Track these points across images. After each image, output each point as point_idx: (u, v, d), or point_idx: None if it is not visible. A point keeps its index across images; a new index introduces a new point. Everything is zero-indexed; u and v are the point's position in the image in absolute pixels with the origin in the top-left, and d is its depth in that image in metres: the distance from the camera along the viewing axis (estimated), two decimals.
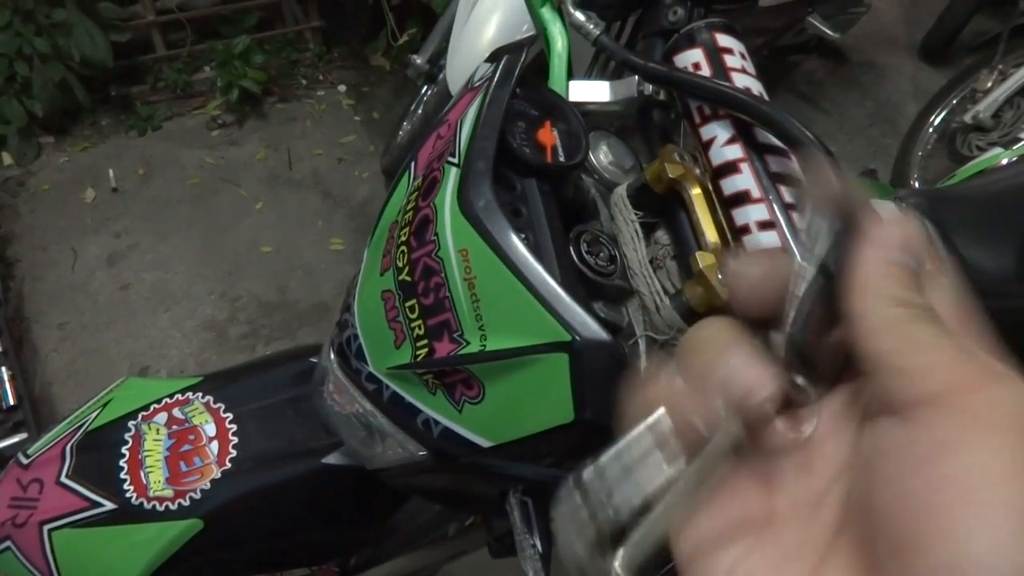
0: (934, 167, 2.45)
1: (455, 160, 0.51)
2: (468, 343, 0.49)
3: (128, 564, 0.71)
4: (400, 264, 0.53)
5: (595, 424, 0.45)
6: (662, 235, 0.62)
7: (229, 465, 0.72)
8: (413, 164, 0.58)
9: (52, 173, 2.32)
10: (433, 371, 0.51)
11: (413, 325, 0.52)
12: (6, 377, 1.49)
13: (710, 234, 0.57)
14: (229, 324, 1.97)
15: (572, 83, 0.66)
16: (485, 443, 0.50)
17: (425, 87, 1.87)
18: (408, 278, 0.52)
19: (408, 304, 0.52)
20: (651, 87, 0.63)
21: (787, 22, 2.30)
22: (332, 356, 0.63)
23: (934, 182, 2.40)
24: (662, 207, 0.61)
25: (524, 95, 0.58)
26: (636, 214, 0.61)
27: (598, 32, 0.65)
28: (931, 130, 2.38)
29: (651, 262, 0.61)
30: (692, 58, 0.59)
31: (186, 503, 0.71)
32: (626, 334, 0.59)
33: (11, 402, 1.46)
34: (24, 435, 1.41)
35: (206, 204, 2.27)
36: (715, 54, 0.59)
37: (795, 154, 0.54)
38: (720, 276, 0.54)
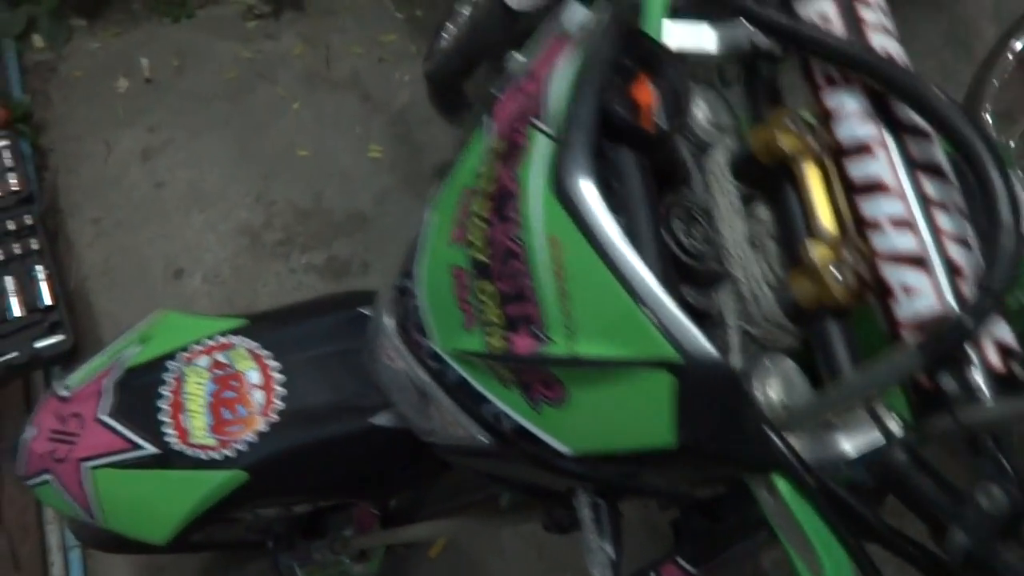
0: (1011, 98, 2.28)
1: (543, 125, 0.44)
2: (552, 341, 0.43)
3: (172, 509, 0.70)
4: (473, 240, 0.47)
5: (698, 450, 0.40)
6: (762, 210, 0.55)
7: (275, 417, 0.69)
8: (488, 120, 0.51)
9: (84, 59, 2.23)
10: (509, 366, 0.46)
11: (486, 309, 0.47)
12: (42, 276, 1.47)
13: (825, 221, 0.50)
14: (264, 230, 1.93)
15: (667, 23, 0.57)
16: (566, 449, 0.46)
17: None
18: (483, 258, 0.46)
19: (482, 285, 0.47)
20: (766, 40, 0.54)
21: None
22: (389, 321, 0.59)
23: (1008, 116, 2.24)
24: (766, 180, 0.53)
25: (622, 38, 0.50)
26: (735, 186, 0.54)
27: None
28: (1011, 56, 2.20)
29: (749, 242, 0.54)
30: (820, 7, 0.51)
31: (231, 454, 0.68)
32: (715, 323, 0.53)
33: (48, 302, 1.44)
34: (62, 336, 1.40)
35: (242, 101, 2.18)
36: (849, 5, 0.50)
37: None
38: (835, 271, 0.48)
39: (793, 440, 0.46)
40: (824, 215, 0.50)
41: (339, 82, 2.27)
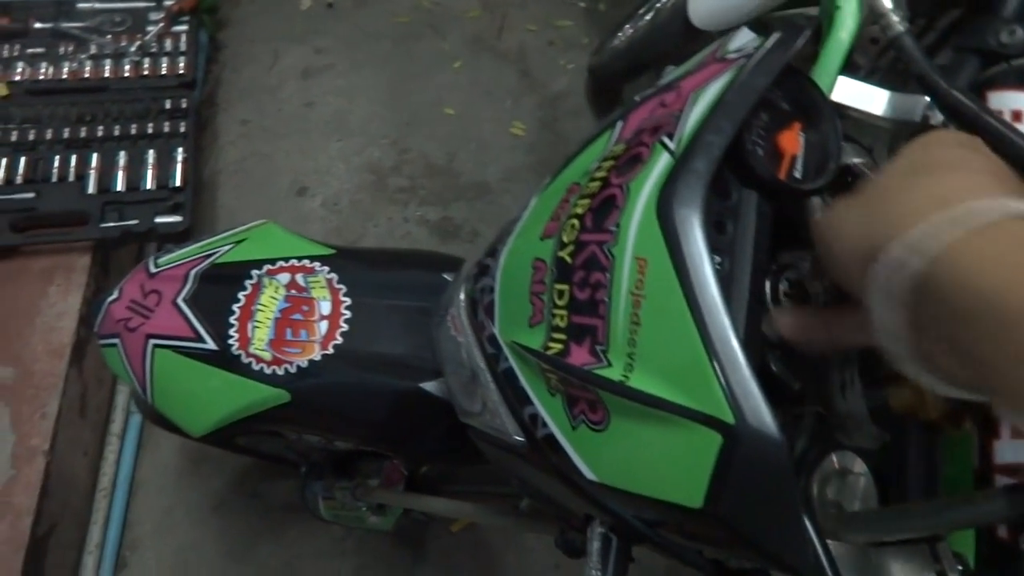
0: None
1: (671, 144, 0.41)
2: (610, 364, 0.41)
3: (212, 406, 0.71)
4: (565, 239, 0.45)
5: (723, 521, 0.37)
6: None
7: (331, 350, 0.70)
8: (621, 124, 0.48)
9: None
10: (559, 374, 0.44)
11: (556, 312, 0.45)
12: (179, 159, 1.55)
13: None
14: (391, 173, 1.97)
15: (843, 79, 0.53)
16: (590, 474, 0.43)
17: None
18: (568, 259, 0.44)
19: (559, 287, 0.45)
20: (942, 118, 0.49)
21: None
22: (463, 296, 0.57)
23: None
24: None
25: (779, 80, 0.46)
26: None
27: (902, 28, 0.51)
28: None
29: None
30: (1015, 103, 0.45)
31: (280, 372, 0.69)
32: (794, 399, 0.49)
33: (177, 183, 1.52)
34: (180, 218, 1.48)
35: (407, 47, 2.23)
36: None
37: None
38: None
39: (839, 548, 0.42)
40: None
41: (504, 53, 2.28)
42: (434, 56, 2.23)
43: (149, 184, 1.51)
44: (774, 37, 0.43)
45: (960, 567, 0.39)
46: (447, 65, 2.21)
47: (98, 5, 1.74)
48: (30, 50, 1.65)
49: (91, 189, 1.48)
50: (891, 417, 0.47)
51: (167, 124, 1.59)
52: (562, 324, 0.44)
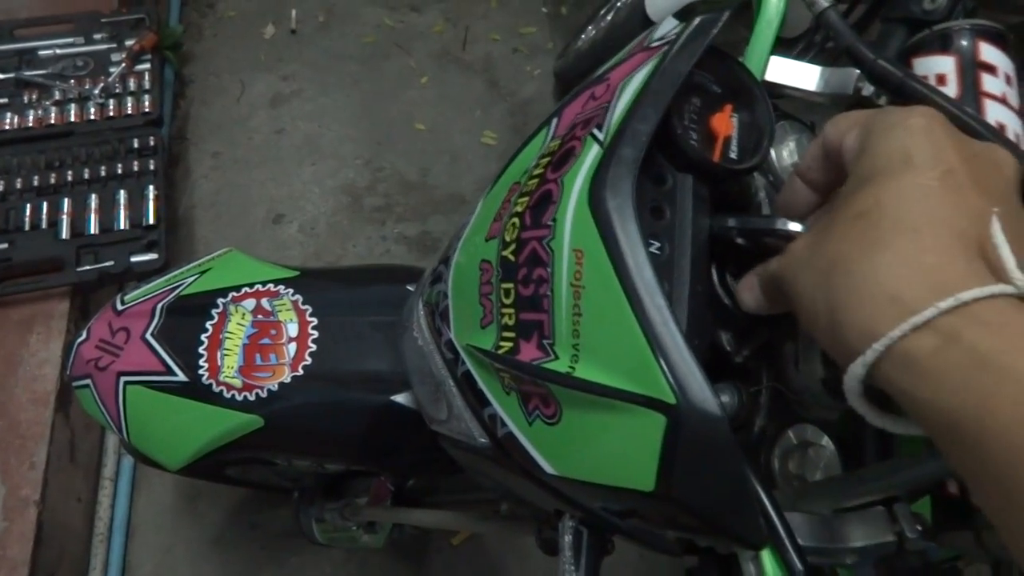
0: None
1: (600, 135, 0.42)
2: (557, 357, 0.41)
3: (187, 438, 0.71)
4: (507, 238, 0.45)
5: (676, 502, 0.37)
6: None
7: (301, 371, 0.70)
8: (556, 120, 0.49)
9: (240, 1, 2.35)
10: (511, 371, 0.44)
11: (504, 311, 0.45)
12: (151, 196, 1.55)
13: None
14: (366, 193, 1.98)
15: (775, 59, 0.54)
16: (549, 468, 0.43)
17: None
18: (512, 257, 0.44)
19: (505, 286, 0.45)
20: (872, 89, 0.50)
21: None
22: (421, 305, 0.58)
23: None
24: None
25: (709, 64, 0.47)
26: None
27: (826, 4, 0.52)
28: None
29: None
30: (938, 67, 0.46)
31: (252, 398, 0.69)
32: (747, 379, 0.49)
33: (151, 221, 1.52)
34: (155, 255, 1.47)
35: (374, 66, 2.24)
36: (971, 69, 0.45)
37: None
38: None
39: (798, 519, 0.43)
40: None
41: (470, 64, 2.29)
42: (401, 73, 2.23)
43: (122, 224, 1.51)
44: (695, 22, 0.44)
45: (919, 526, 0.39)
46: (415, 81, 2.22)
47: (59, 51, 1.74)
48: None
49: (65, 234, 1.48)
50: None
51: (136, 163, 1.59)
52: (511, 322, 0.44)
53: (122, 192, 1.54)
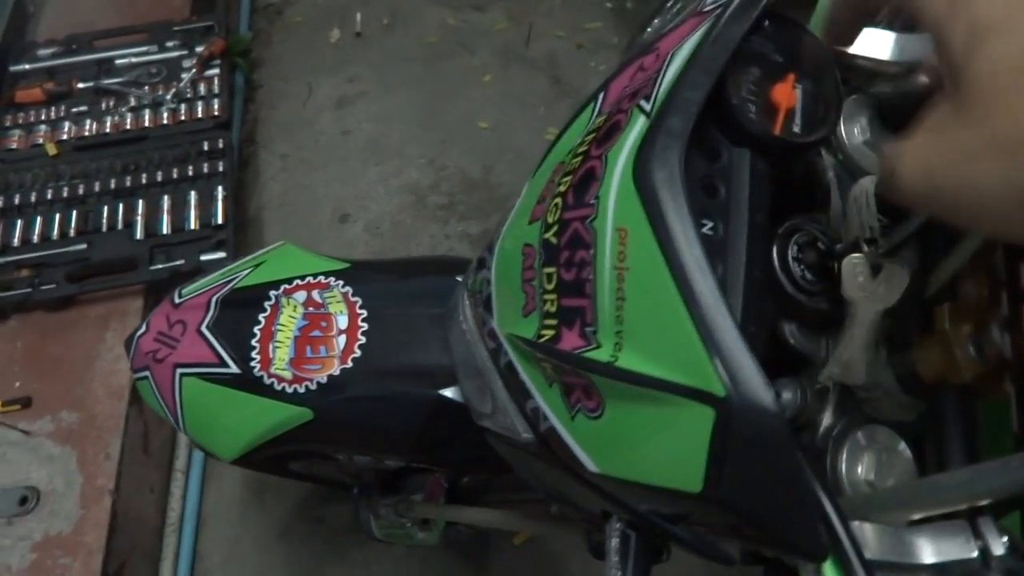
0: None
1: (648, 106, 0.39)
2: (600, 345, 0.38)
3: (239, 430, 0.71)
4: (550, 219, 0.43)
5: (727, 506, 0.33)
6: (907, 252, 0.47)
7: (350, 364, 0.69)
8: (602, 95, 0.46)
9: (307, 7, 2.40)
10: (552, 361, 0.41)
11: (546, 297, 0.43)
12: (220, 196, 1.58)
13: (974, 284, 0.41)
14: (430, 192, 1.98)
15: None
16: (592, 466, 0.41)
17: None
18: (554, 239, 0.42)
19: (547, 271, 0.42)
20: None
21: None
22: (466, 294, 0.56)
23: None
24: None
25: (771, 32, 0.43)
26: (880, 220, 0.46)
27: None
28: None
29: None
30: None
31: (301, 390, 0.68)
32: (815, 372, 0.45)
33: (219, 221, 1.55)
34: (224, 254, 1.51)
35: (437, 66, 2.25)
36: None
37: None
38: (972, 350, 0.39)
39: (866, 529, 0.39)
40: (975, 274, 0.41)
41: (534, 61, 2.28)
42: (464, 72, 2.23)
43: (193, 224, 1.55)
44: None
45: (1007, 542, 0.35)
46: (478, 80, 2.21)
47: (134, 60, 1.80)
48: (75, 109, 1.72)
49: (139, 235, 1.52)
50: (925, 386, 0.43)
51: (206, 165, 1.63)
52: (552, 309, 0.42)
53: (192, 193, 1.58)
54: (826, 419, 0.44)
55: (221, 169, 1.62)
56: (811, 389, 0.45)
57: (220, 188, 1.59)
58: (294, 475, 1.02)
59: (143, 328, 0.77)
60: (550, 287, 0.42)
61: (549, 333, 0.42)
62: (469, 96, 2.18)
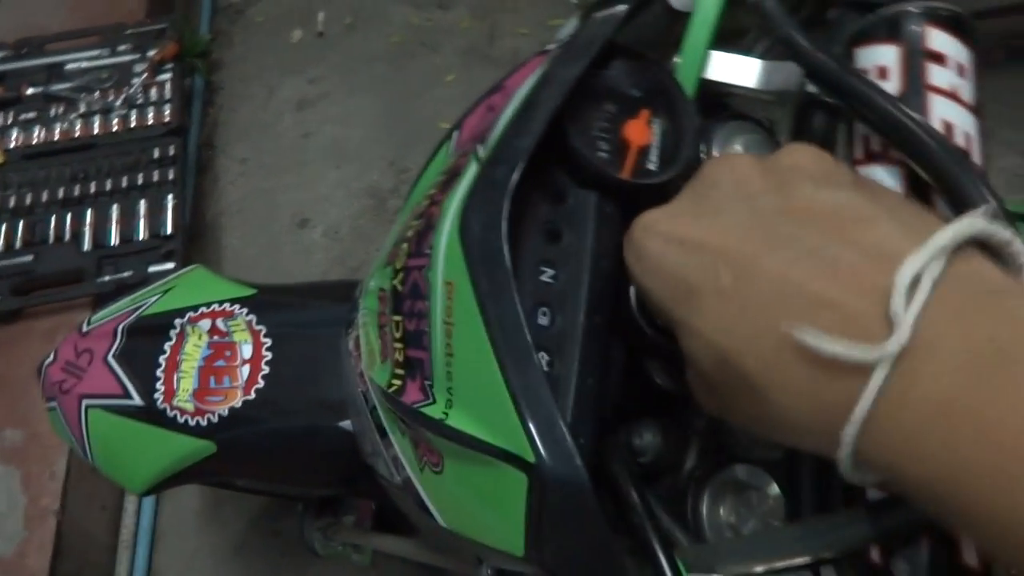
0: None
1: (482, 152, 0.38)
2: (434, 400, 0.37)
3: (145, 463, 0.70)
4: (398, 265, 0.41)
5: (548, 570, 0.32)
6: None
7: (253, 395, 0.67)
8: (456, 134, 0.45)
9: (269, 6, 2.36)
10: (397, 413, 0.40)
11: (395, 345, 0.41)
12: (170, 206, 1.56)
13: None
14: (390, 195, 1.96)
15: (715, 54, 0.48)
16: (441, 520, 0.40)
17: None
18: (400, 287, 0.41)
19: (395, 319, 0.41)
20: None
21: None
22: (348, 329, 0.55)
23: None
24: None
25: (626, 67, 0.42)
26: None
27: None
28: None
29: None
30: (880, 57, 0.40)
31: (203, 423, 0.67)
32: (684, 410, 0.44)
33: (168, 231, 1.53)
34: (172, 264, 1.49)
35: (401, 66, 2.22)
36: (916, 59, 0.39)
37: None
38: None
39: None
40: None
41: (497, 59, 2.25)
42: (428, 72, 2.21)
43: (142, 235, 1.52)
44: (589, 20, 0.39)
45: None
46: (441, 79, 2.19)
47: (85, 64, 1.77)
48: (23, 116, 1.69)
49: (87, 246, 1.50)
50: None
51: (156, 173, 1.61)
52: (400, 359, 0.41)
53: (142, 202, 1.56)
54: (690, 460, 0.44)
55: (171, 177, 1.60)
56: (673, 430, 0.44)
57: (171, 197, 1.57)
58: (243, 489, 1.01)
59: (51, 357, 0.76)
60: (398, 335, 0.41)
61: (397, 384, 0.41)
62: (432, 96, 2.15)
